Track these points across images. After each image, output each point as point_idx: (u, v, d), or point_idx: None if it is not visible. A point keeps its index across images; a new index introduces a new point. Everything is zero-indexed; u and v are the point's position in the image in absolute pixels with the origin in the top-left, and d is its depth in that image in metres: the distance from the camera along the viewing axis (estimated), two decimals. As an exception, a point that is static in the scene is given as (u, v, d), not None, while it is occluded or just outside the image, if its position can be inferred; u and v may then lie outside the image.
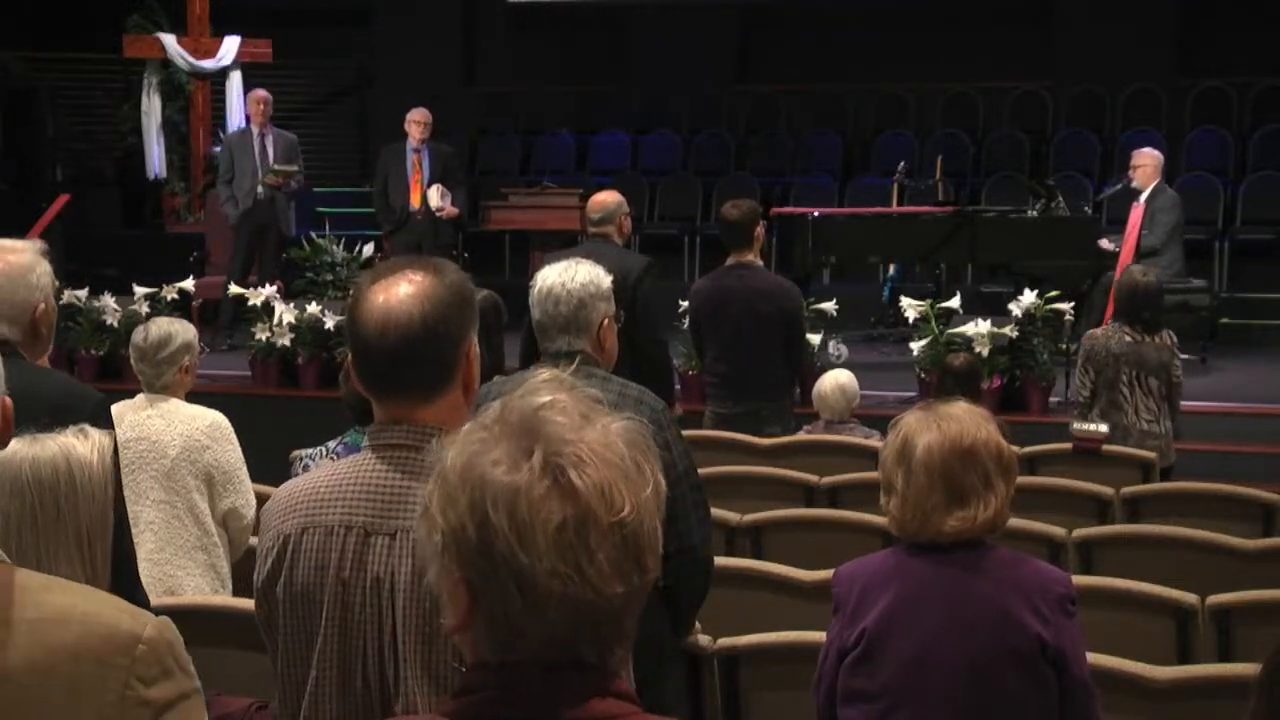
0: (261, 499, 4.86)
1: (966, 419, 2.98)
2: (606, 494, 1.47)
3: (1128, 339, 6.93)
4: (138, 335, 4.92)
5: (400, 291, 2.31)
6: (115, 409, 4.81)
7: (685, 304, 7.68)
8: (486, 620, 1.48)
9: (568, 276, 3.65)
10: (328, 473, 2.41)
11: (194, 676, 1.93)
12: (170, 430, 4.75)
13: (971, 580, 2.96)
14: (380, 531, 2.28)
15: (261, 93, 11.86)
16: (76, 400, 3.44)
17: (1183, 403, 8.78)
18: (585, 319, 3.63)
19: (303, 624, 2.33)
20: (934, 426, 2.97)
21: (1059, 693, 2.93)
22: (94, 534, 2.58)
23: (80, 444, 2.58)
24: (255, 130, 11.53)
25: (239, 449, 4.85)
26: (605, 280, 3.69)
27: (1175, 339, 7.13)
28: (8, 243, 3.56)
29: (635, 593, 1.50)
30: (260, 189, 11.28)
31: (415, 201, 11.08)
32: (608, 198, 6.80)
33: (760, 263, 7.11)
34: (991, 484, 2.95)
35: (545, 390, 1.53)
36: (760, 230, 7.02)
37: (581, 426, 1.50)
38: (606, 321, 3.68)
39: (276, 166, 11.30)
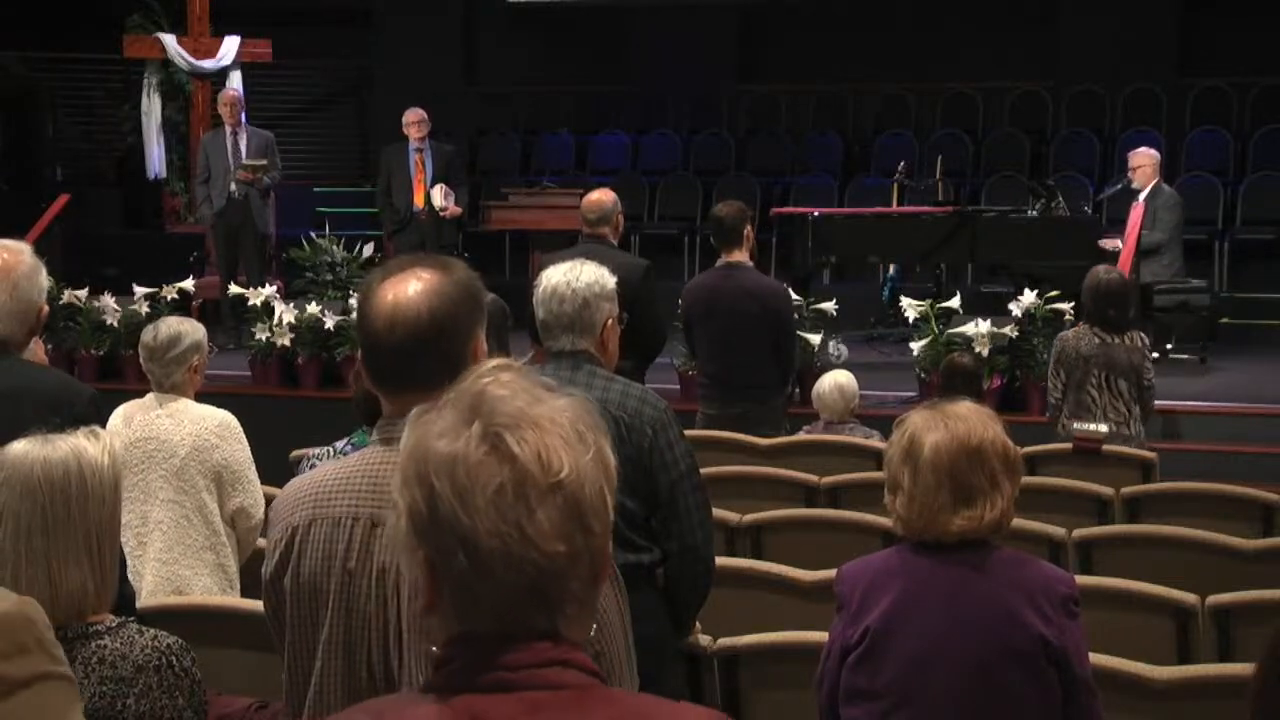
0: (267, 499, 4.88)
1: (973, 418, 2.98)
2: (543, 457, 1.54)
3: (1097, 340, 6.87)
4: (147, 335, 4.93)
5: (409, 288, 2.35)
6: (125, 408, 4.86)
7: (684, 304, 7.66)
8: (447, 594, 1.55)
9: (573, 276, 3.65)
10: (336, 466, 2.45)
11: (61, 662, 1.91)
12: (179, 430, 4.76)
13: (975, 579, 2.96)
14: (386, 522, 2.30)
15: (229, 94, 11.92)
16: (71, 395, 3.49)
17: (1184, 403, 8.83)
18: (589, 319, 3.64)
19: (309, 614, 2.36)
20: (941, 425, 2.96)
21: (1062, 693, 2.94)
22: (103, 535, 2.59)
23: (91, 446, 2.59)
24: (228, 130, 11.54)
25: (248, 449, 4.87)
26: (610, 281, 3.69)
27: (1147, 340, 7.04)
28: (9, 243, 3.59)
29: (580, 553, 1.55)
30: (233, 187, 11.29)
31: (419, 201, 11.10)
32: (603, 197, 6.78)
33: (750, 263, 7.10)
34: (998, 484, 2.95)
35: (491, 372, 1.61)
36: (750, 230, 7.01)
37: (524, 399, 1.58)
38: (610, 322, 3.68)
39: (246, 162, 11.30)
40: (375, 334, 2.36)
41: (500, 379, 1.59)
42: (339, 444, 4.21)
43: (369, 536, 2.32)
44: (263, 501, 4.85)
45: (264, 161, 11.39)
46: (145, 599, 4.45)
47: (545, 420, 1.56)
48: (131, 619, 2.70)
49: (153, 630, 2.70)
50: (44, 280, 3.57)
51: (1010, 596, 2.94)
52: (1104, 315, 6.87)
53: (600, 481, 1.57)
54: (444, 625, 1.57)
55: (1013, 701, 2.92)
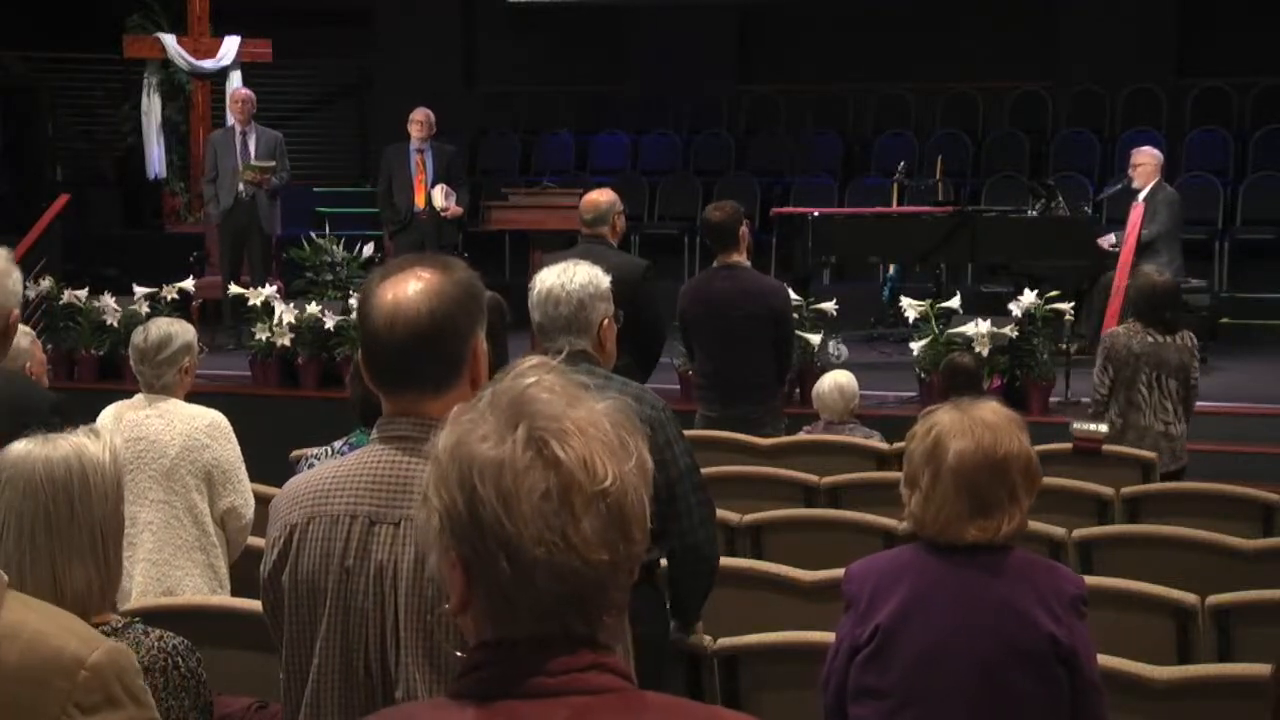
0: (261, 499, 4.87)
1: (1001, 427, 2.96)
2: (589, 464, 1.52)
3: (1149, 339, 6.87)
4: (137, 336, 4.92)
5: (409, 288, 2.35)
6: (115, 408, 4.85)
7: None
8: (483, 597, 1.53)
9: (567, 278, 3.65)
10: (335, 465, 2.46)
11: (150, 707, 1.88)
12: (170, 430, 4.75)
13: (985, 579, 2.95)
14: (384, 520, 2.32)
15: (242, 91, 11.90)
16: (32, 403, 3.43)
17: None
18: (585, 319, 3.64)
19: (307, 612, 2.36)
20: (968, 432, 2.94)
21: (1070, 693, 2.93)
22: (107, 534, 2.59)
23: (92, 444, 2.59)
24: (238, 129, 11.54)
25: (238, 448, 4.86)
26: (604, 280, 3.70)
27: (1195, 340, 7.08)
28: None
29: (621, 562, 1.54)
30: (241, 187, 11.28)
31: (420, 201, 11.09)
32: (600, 197, 6.77)
33: (748, 263, 7.09)
34: (1017, 498, 2.95)
35: (532, 372, 1.59)
36: (745, 230, 7.00)
37: (566, 403, 1.56)
38: (606, 321, 3.68)
39: (253, 163, 11.29)
40: (375, 334, 2.36)
41: (542, 381, 1.57)
42: (336, 444, 4.21)
43: (367, 535, 2.32)
44: (253, 502, 4.85)
45: (271, 163, 11.38)
46: (135, 599, 4.45)
47: (589, 425, 1.54)
48: (137, 619, 2.69)
49: (158, 631, 2.69)
50: (13, 284, 3.46)
51: (1020, 596, 2.94)
52: (1160, 316, 6.89)
53: (641, 489, 1.56)
54: (476, 628, 1.55)
55: (1021, 701, 2.92)
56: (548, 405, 1.54)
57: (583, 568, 1.50)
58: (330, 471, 2.42)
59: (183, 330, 4.92)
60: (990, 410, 3.01)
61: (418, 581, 2.28)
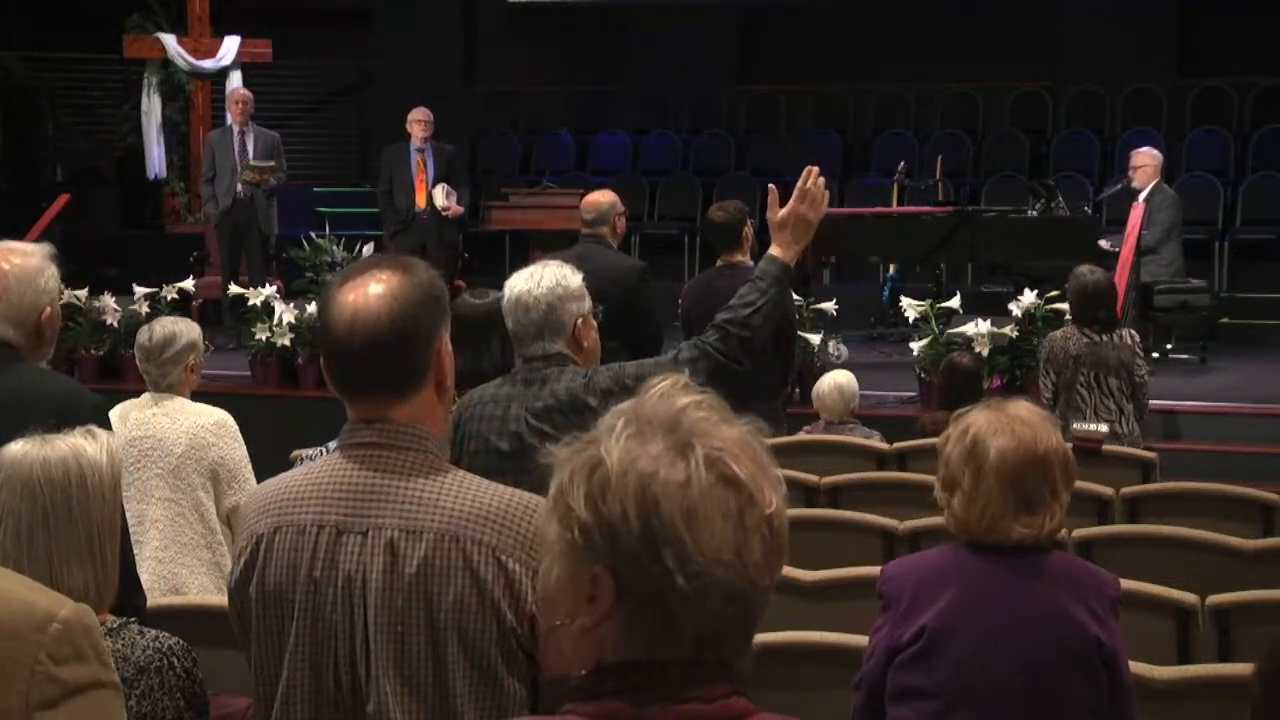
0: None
1: (1038, 423, 2.97)
2: (759, 486, 1.52)
3: (1085, 340, 6.86)
4: (143, 335, 4.93)
5: (369, 291, 2.29)
6: (121, 407, 4.86)
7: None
8: (634, 616, 1.49)
9: (534, 282, 3.57)
10: (302, 472, 2.40)
11: (112, 670, 1.91)
12: (176, 428, 4.77)
13: (1030, 581, 2.96)
14: (352, 530, 2.27)
15: (240, 91, 11.92)
16: (76, 402, 3.44)
17: (1184, 403, 8.83)
18: (557, 321, 3.57)
19: (275, 624, 2.31)
20: (1008, 430, 2.94)
21: (1109, 693, 2.94)
22: (104, 534, 2.59)
23: (89, 445, 2.59)
24: (235, 129, 11.56)
25: (244, 447, 4.87)
26: (574, 279, 3.61)
27: (1137, 338, 7.05)
28: (17, 245, 3.55)
29: (772, 590, 1.54)
30: (239, 187, 11.30)
31: (421, 202, 11.09)
32: (600, 198, 6.77)
33: (751, 263, 7.08)
34: (1058, 493, 2.96)
35: (680, 393, 1.56)
36: (749, 230, 6.99)
37: (723, 425, 1.54)
38: (581, 321, 3.60)
39: (253, 163, 11.31)
40: (335, 339, 2.30)
41: (699, 401, 1.55)
42: (330, 444, 4.20)
43: (334, 545, 2.27)
44: None
45: (271, 163, 11.40)
46: (141, 597, 4.45)
47: (747, 447, 1.53)
48: (133, 620, 2.70)
49: (153, 631, 2.69)
50: (45, 283, 3.46)
51: (1065, 598, 2.95)
52: (1093, 315, 6.88)
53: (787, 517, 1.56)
54: (602, 647, 1.51)
55: (1068, 702, 2.92)
56: (711, 425, 1.53)
57: (750, 591, 1.50)
58: (297, 479, 2.36)
59: (188, 329, 4.94)
60: (1024, 408, 3.02)
61: (387, 592, 2.23)
